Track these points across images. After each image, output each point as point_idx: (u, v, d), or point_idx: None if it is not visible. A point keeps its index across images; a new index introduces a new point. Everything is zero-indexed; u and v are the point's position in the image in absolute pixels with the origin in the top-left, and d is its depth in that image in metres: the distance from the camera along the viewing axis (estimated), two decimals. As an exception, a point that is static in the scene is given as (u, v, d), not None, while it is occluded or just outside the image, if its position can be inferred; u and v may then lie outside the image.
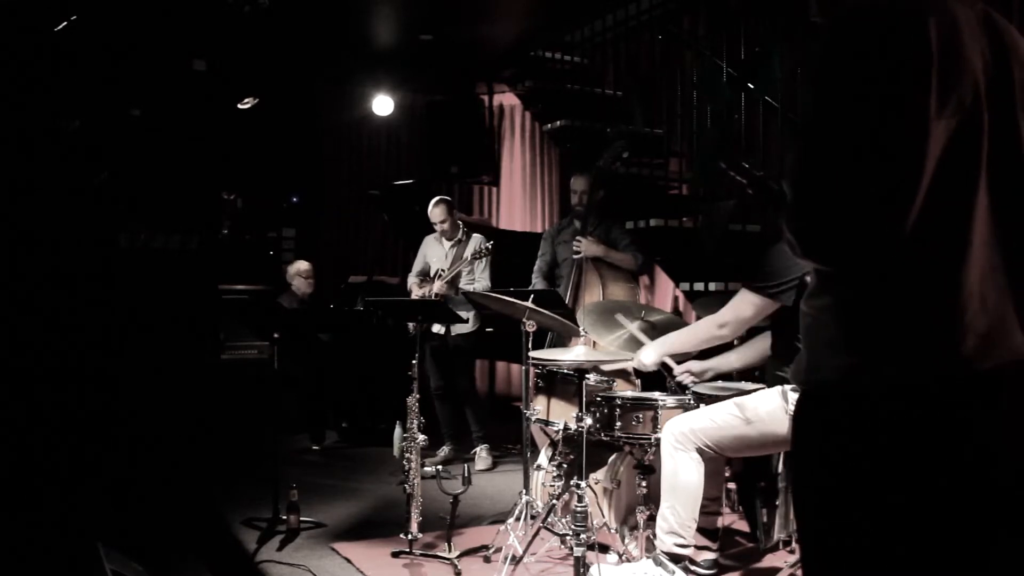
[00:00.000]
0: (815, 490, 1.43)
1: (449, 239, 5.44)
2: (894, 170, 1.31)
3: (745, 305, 3.10)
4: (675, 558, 3.07)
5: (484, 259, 5.25)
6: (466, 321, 5.21)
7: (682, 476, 3.07)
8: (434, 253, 5.50)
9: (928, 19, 1.33)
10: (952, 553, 1.34)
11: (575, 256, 4.70)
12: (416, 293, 5.44)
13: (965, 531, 1.33)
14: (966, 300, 1.33)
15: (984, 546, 1.33)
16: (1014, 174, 1.39)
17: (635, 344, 3.60)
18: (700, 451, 3.07)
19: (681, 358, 3.51)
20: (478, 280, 5.31)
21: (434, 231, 5.50)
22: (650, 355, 3.35)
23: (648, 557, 3.17)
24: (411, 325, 5.28)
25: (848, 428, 1.36)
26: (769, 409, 2.98)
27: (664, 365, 3.46)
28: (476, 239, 5.33)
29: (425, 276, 5.50)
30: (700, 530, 3.30)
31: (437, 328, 5.36)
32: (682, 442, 3.08)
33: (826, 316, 1.41)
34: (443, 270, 5.33)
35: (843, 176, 1.32)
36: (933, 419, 1.32)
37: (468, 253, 5.27)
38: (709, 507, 3.35)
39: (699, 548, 3.31)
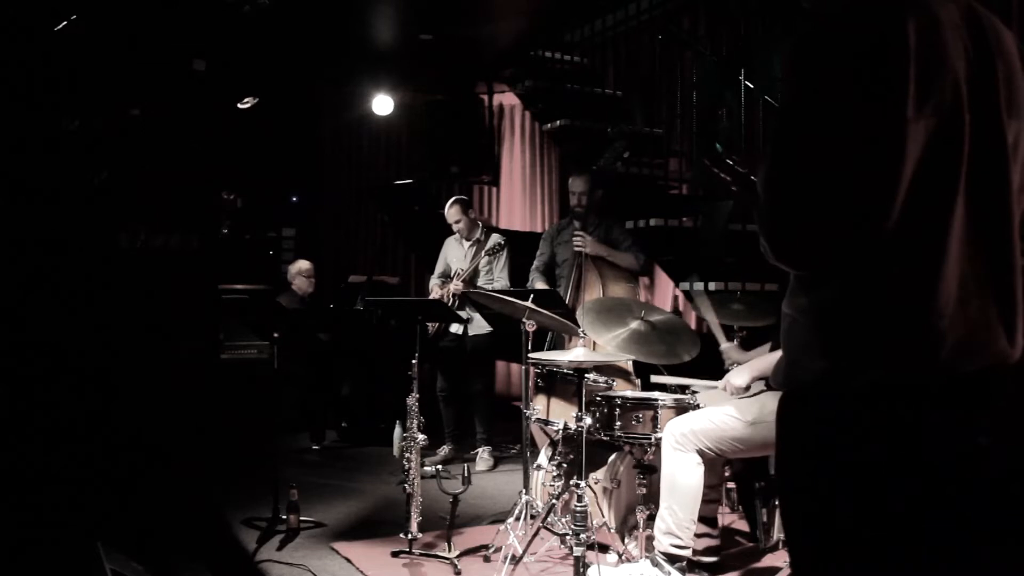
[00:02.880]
0: (797, 490, 1.43)
1: (467, 239, 5.45)
2: (870, 172, 1.29)
3: None
4: (672, 558, 3.07)
5: (499, 256, 5.24)
6: (466, 321, 5.21)
7: (681, 478, 3.07)
8: (454, 254, 5.51)
9: (907, 19, 1.32)
10: (929, 552, 1.33)
11: (576, 248, 4.68)
12: (436, 294, 5.43)
13: (942, 531, 1.32)
14: (943, 304, 1.31)
15: (963, 546, 1.33)
16: (996, 174, 1.36)
17: (635, 344, 3.59)
18: (701, 452, 3.06)
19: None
20: (497, 279, 5.31)
21: (445, 229, 5.52)
22: (743, 378, 3.13)
23: (646, 557, 3.17)
24: (430, 326, 5.31)
25: (827, 430, 1.35)
26: (770, 410, 2.97)
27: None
28: (494, 238, 5.33)
29: (447, 278, 5.50)
30: (700, 519, 3.30)
31: (455, 328, 5.35)
32: (683, 443, 3.08)
33: (804, 318, 1.40)
34: (461, 270, 5.33)
35: (816, 179, 1.30)
36: (911, 422, 1.31)
37: (485, 251, 5.28)
38: (709, 495, 3.33)
39: (700, 536, 3.30)
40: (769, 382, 3.22)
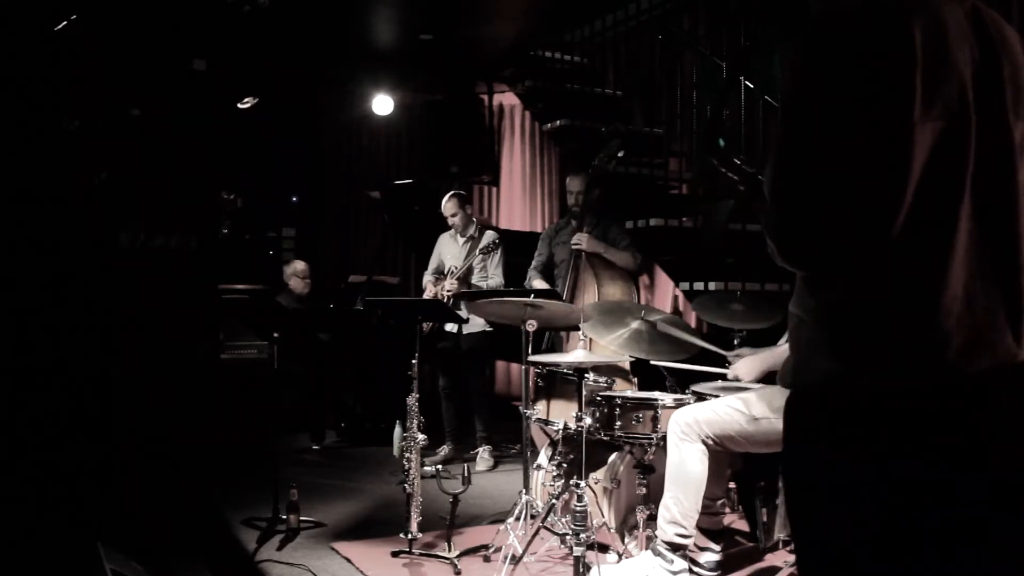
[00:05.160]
0: (804, 489, 1.44)
1: (463, 235, 5.43)
2: (877, 175, 1.30)
3: None
4: (675, 547, 3.07)
5: (494, 254, 5.21)
6: (466, 320, 5.21)
7: (686, 466, 3.07)
8: (449, 251, 5.49)
9: (912, 21, 1.32)
10: (934, 552, 1.33)
11: (574, 247, 4.68)
12: (430, 291, 5.42)
13: (948, 532, 1.32)
14: (950, 304, 1.31)
15: (969, 547, 1.33)
16: (1003, 174, 1.37)
17: (635, 344, 3.59)
18: (705, 443, 3.07)
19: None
20: (491, 276, 5.29)
21: (445, 229, 5.50)
22: (751, 370, 3.15)
23: (647, 549, 3.17)
24: (425, 324, 5.30)
25: (834, 430, 1.36)
26: (776, 407, 2.97)
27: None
28: (489, 235, 5.33)
29: (440, 274, 5.49)
30: (704, 531, 3.30)
31: (450, 327, 5.35)
32: (687, 433, 3.08)
33: (812, 318, 1.40)
34: (456, 267, 5.32)
35: (823, 181, 1.31)
36: (919, 422, 1.31)
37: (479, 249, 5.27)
38: (712, 508, 3.35)
39: (702, 549, 3.30)
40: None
